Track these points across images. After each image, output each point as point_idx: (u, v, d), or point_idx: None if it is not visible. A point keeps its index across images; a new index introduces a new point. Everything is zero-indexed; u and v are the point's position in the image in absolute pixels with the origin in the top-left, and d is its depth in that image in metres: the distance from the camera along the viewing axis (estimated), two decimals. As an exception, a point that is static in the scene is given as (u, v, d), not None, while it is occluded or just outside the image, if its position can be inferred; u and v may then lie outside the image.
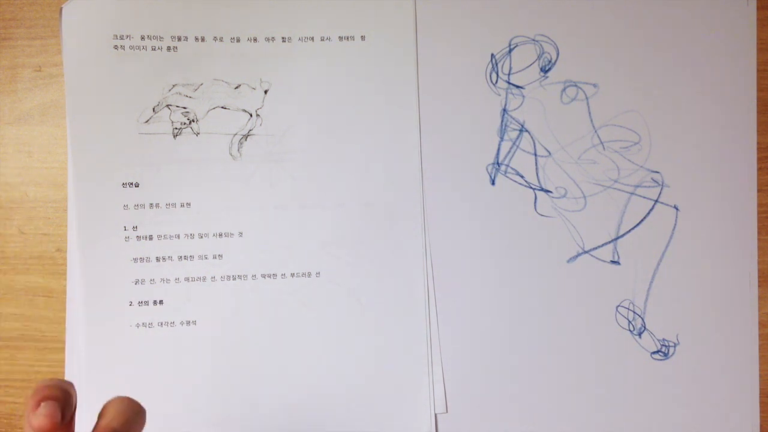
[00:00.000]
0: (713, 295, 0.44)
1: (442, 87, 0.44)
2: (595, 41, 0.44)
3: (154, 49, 0.42)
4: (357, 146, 0.43)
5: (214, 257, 0.43)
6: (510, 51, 0.44)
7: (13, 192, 0.44)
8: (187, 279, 0.42)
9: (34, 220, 0.44)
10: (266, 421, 0.42)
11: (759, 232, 0.44)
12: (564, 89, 0.44)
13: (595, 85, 0.44)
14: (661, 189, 0.44)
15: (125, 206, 0.42)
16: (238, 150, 0.43)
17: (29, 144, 0.44)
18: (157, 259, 0.42)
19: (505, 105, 0.44)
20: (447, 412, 0.43)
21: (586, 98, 0.44)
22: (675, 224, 0.44)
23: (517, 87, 0.44)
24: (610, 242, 0.44)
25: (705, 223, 0.44)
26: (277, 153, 0.43)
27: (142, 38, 0.42)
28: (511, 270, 0.44)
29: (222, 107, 0.43)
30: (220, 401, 0.42)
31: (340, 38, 0.43)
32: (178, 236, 0.42)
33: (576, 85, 0.44)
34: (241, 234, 0.43)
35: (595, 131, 0.44)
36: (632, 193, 0.44)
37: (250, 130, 0.43)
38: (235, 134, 0.43)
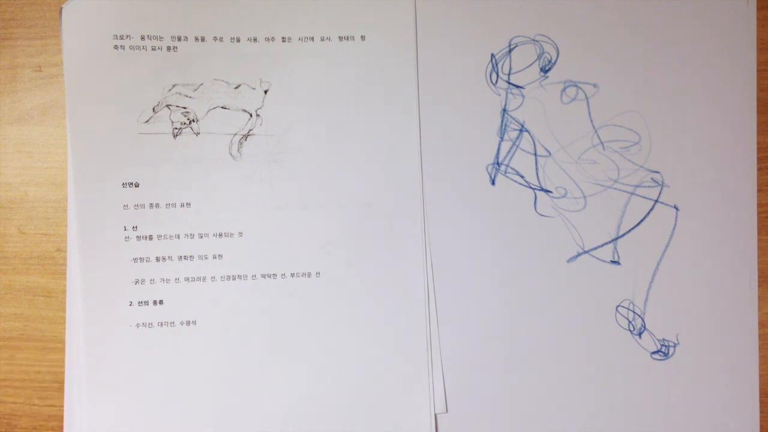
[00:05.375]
0: (713, 295, 0.44)
1: (442, 87, 0.44)
2: (595, 41, 0.44)
3: (154, 49, 0.42)
4: (357, 146, 0.43)
5: (214, 257, 0.43)
6: (510, 51, 0.44)
7: (13, 192, 0.44)
8: (187, 279, 0.42)
9: (34, 220, 0.44)
10: (266, 421, 0.42)
11: (759, 232, 0.44)
12: (564, 89, 0.44)
13: (595, 85, 0.44)
14: (661, 189, 0.44)
15: (125, 206, 0.42)
16: (238, 150, 0.43)
17: (29, 144, 0.44)
18: (157, 259, 0.42)
19: (505, 105, 0.44)
20: (447, 412, 0.43)
21: (586, 98, 0.44)
22: (675, 224, 0.44)
23: (517, 87, 0.44)
24: (610, 242, 0.44)
25: (705, 223, 0.44)
26: (277, 153, 0.43)
27: (142, 38, 0.42)
28: (511, 270, 0.44)
29: (222, 107, 0.43)
30: (220, 401, 0.42)
31: (340, 38, 0.43)
32: (178, 236, 0.42)
33: (576, 85, 0.44)
34: (241, 234, 0.43)
35: (595, 131, 0.44)
36: (632, 193, 0.44)
37: (250, 130, 0.43)
38: (235, 134, 0.43)
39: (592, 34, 0.44)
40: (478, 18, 0.44)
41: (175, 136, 0.43)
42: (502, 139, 0.44)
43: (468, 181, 0.44)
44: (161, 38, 0.42)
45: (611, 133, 0.44)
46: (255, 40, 0.43)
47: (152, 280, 0.42)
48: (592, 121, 0.44)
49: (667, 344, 0.44)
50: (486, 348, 0.43)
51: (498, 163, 0.44)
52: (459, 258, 0.43)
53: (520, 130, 0.44)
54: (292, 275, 0.43)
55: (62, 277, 0.43)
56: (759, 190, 0.44)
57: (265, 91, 0.43)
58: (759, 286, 0.44)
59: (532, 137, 0.44)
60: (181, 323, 0.42)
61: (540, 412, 0.43)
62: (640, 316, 0.44)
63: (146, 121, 0.42)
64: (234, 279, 0.43)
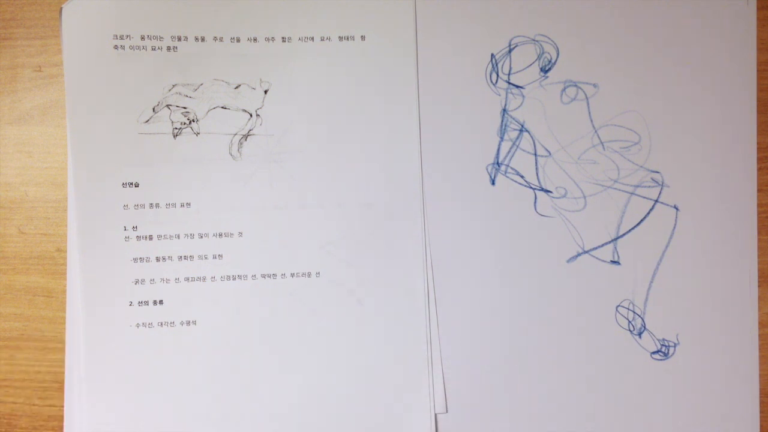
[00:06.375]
0: (713, 295, 0.44)
1: (442, 87, 0.44)
2: (595, 41, 0.44)
3: (154, 49, 0.42)
4: (357, 146, 0.43)
5: (214, 257, 0.43)
6: (510, 51, 0.44)
7: (13, 192, 0.44)
8: (187, 279, 0.42)
9: (34, 220, 0.44)
10: (266, 421, 0.42)
11: (759, 232, 0.44)
12: (564, 89, 0.44)
13: (595, 85, 0.44)
14: (661, 189, 0.44)
15: (125, 206, 0.42)
16: (238, 150, 0.43)
17: (29, 144, 0.44)
18: (157, 259, 0.42)
19: (505, 105, 0.44)
20: (447, 412, 0.43)
21: (586, 98, 0.44)
22: (675, 224, 0.44)
23: (517, 87, 0.44)
24: (610, 242, 0.44)
25: (705, 223, 0.44)
26: (277, 153, 0.43)
27: (142, 38, 0.42)
28: (511, 270, 0.44)
29: (222, 107, 0.43)
30: (220, 401, 0.42)
31: (340, 38, 0.43)
32: (178, 236, 0.42)
33: (576, 85, 0.44)
34: (241, 234, 0.43)
35: (595, 131, 0.44)
36: (632, 193, 0.44)
37: (250, 130, 0.43)
38: (235, 134, 0.43)
39: (592, 34, 0.44)
40: (478, 18, 0.44)
41: (175, 136, 0.43)
42: (502, 139, 0.44)
43: (468, 181, 0.44)
44: (161, 38, 0.42)
45: (611, 133, 0.44)
46: (255, 40, 0.43)
47: (152, 280, 0.42)
48: (592, 121, 0.44)
49: (667, 344, 0.44)
50: (486, 348, 0.43)
51: (498, 163, 0.44)
52: (459, 258, 0.43)
53: (520, 130, 0.44)
54: (292, 275, 0.43)
55: (62, 277, 0.43)
56: (759, 190, 0.44)
57: (265, 91, 0.43)
58: (759, 286, 0.44)
59: (532, 137, 0.44)
60: (181, 323, 0.42)
61: (540, 412, 0.43)
62: (640, 316, 0.44)
63: (146, 121, 0.42)
64: (234, 279, 0.43)
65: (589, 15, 0.44)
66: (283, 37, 0.43)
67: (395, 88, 0.44)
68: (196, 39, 0.43)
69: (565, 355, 0.44)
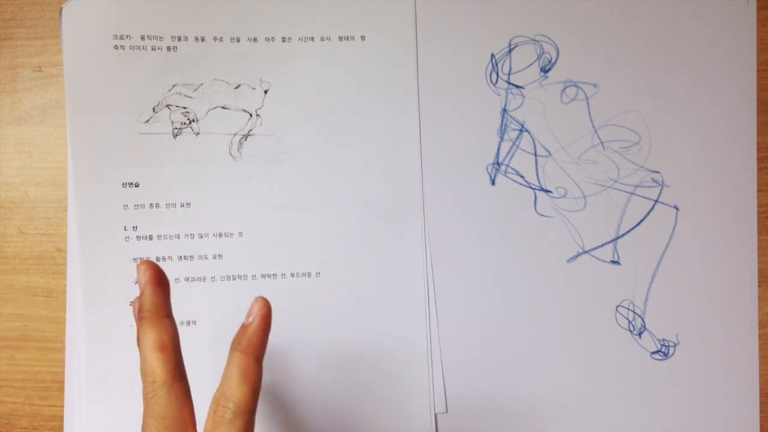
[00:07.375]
0: (713, 295, 0.44)
1: (442, 87, 0.44)
2: (595, 41, 0.44)
3: (154, 49, 0.42)
4: (357, 146, 0.43)
5: (214, 257, 0.43)
6: (510, 51, 0.44)
7: (13, 192, 0.44)
8: (187, 279, 0.42)
9: (34, 220, 0.44)
10: (266, 421, 0.43)
11: (759, 232, 0.44)
12: (564, 89, 0.44)
13: (595, 85, 0.44)
14: (661, 189, 0.44)
15: (125, 206, 0.42)
16: (238, 150, 0.43)
17: (29, 144, 0.44)
18: (157, 259, 0.42)
19: (505, 105, 0.44)
20: (447, 412, 0.43)
21: (586, 98, 0.44)
22: (675, 224, 0.44)
23: (517, 87, 0.44)
24: (610, 242, 0.44)
25: (705, 223, 0.44)
26: (277, 153, 0.43)
27: (142, 38, 0.42)
28: (511, 270, 0.44)
29: (222, 107, 0.43)
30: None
31: (340, 38, 0.43)
32: (178, 236, 0.42)
33: (576, 85, 0.44)
34: (241, 234, 0.43)
35: (595, 131, 0.44)
36: (632, 193, 0.44)
37: (250, 130, 0.43)
38: (235, 134, 0.43)
39: (592, 34, 0.44)
40: (478, 18, 0.44)
41: (175, 136, 0.43)
42: (502, 139, 0.44)
43: (468, 181, 0.44)
44: (161, 38, 0.42)
45: (611, 133, 0.44)
46: (255, 40, 0.43)
47: (152, 280, 0.42)
48: (592, 121, 0.44)
49: (667, 344, 0.44)
50: (486, 348, 0.43)
51: (498, 163, 0.44)
52: (459, 258, 0.43)
53: (520, 130, 0.44)
54: (292, 275, 0.43)
55: (62, 277, 0.43)
56: (759, 190, 0.44)
57: (265, 91, 0.43)
58: (759, 286, 0.44)
59: (532, 137, 0.44)
60: (181, 323, 0.42)
61: (540, 413, 0.43)
62: (640, 316, 0.44)
63: (146, 121, 0.42)
64: (234, 279, 0.43)
65: (589, 15, 0.44)
66: (283, 37, 0.43)
67: (395, 88, 0.44)
68: (196, 39, 0.43)
69: (565, 355, 0.44)
